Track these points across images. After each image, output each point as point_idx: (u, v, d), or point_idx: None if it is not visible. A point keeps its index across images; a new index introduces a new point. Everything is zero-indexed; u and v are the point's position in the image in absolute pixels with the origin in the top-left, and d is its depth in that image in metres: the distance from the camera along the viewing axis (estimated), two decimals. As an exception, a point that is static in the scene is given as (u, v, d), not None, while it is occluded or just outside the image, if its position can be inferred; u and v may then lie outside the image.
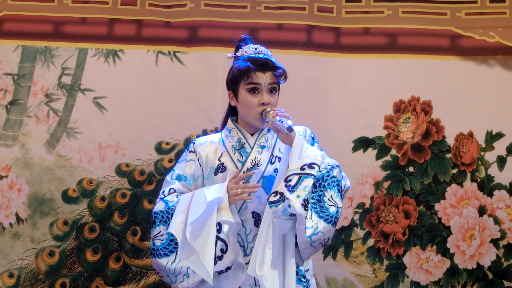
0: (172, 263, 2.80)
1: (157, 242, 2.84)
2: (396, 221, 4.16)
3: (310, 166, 2.69)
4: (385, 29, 4.28)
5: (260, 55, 2.91)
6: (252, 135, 2.95)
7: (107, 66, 4.19)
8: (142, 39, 4.23)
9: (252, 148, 2.91)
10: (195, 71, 4.21)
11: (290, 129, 2.72)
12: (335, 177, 2.76)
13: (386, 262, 4.16)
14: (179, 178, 2.99)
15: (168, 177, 3.03)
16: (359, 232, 4.18)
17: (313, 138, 2.99)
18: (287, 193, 2.63)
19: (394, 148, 4.21)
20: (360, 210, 4.18)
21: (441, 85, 4.24)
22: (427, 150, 4.21)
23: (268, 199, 2.66)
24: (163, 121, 4.16)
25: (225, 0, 4.27)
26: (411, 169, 4.20)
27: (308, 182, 2.65)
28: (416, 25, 4.28)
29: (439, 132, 4.22)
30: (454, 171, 4.20)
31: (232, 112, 3.04)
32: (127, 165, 4.14)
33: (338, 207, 2.70)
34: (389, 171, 4.19)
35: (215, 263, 2.71)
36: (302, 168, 2.68)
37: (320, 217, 2.66)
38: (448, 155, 4.21)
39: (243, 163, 2.89)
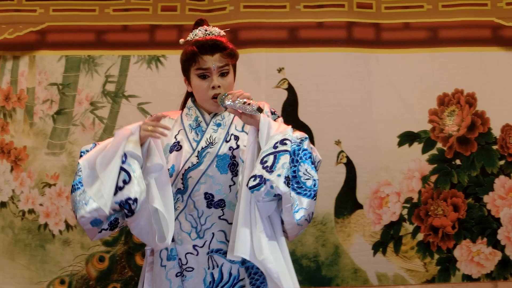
0: (80, 195, 2.65)
1: (76, 178, 2.68)
2: (445, 215, 4.13)
3: (282, 142, 2.59)
4: (426, 23, 4.26)
5: (209, 37, 2.81)
6: (209, 114, 2.84)
7: (150, 72, 4.24)
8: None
9: (207, 126, 2.81)
10: (236, 73, 4.21)
11: (260, 109, 2.59)
12: (306, 149, 2.65)
13: (436, 256, 4.13)
14: None
15: None
16: (408, 227, 4.15)
17: (273, 113, 2.85)
18: (266, 175, 2.53)
19: (440, 142, 4.18)
20: (408, 205, 4.15)
21: (485, 77, 4.21)
22: (473, 143, 4.18)
23: (247, 185, 2.56)
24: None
25: (264, 0, 4.28)
26: (458, 162, 4.17)
27: (285, 159, 2.56)
28: (456, 17, 4.25)
29: (484, 124, 4.18)
30: (502, 162, 4.17)
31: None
32: (174, 169, 4.16)
33: (314, 180, 2.61)
34: (436, 165, 4.16)
35: (115, 193, 2.59)
36: (275, 147, 2.58)
37: (298, 193, 2.57)
38: (495, 147, 4.17)
39: (198, 142, 2.79)
